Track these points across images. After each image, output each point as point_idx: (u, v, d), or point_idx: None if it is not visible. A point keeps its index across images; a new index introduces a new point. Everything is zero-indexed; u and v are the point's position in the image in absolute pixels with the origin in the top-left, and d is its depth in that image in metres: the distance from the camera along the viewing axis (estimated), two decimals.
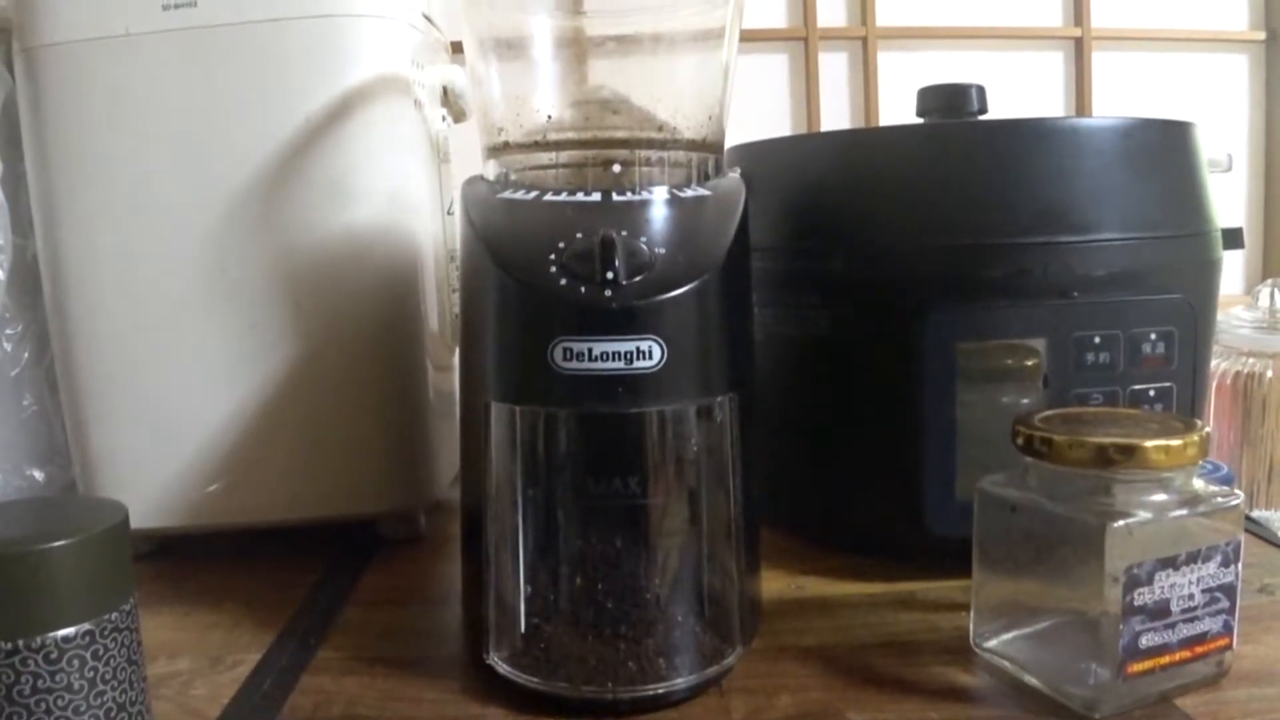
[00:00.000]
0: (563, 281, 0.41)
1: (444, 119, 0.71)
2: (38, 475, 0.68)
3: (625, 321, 0.41)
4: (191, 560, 0.63)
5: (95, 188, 0.59)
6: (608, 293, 0.41)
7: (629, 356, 0.41)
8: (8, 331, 0.66)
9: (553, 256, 0.42)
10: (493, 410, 0.44)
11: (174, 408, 0.60)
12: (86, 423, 0.61)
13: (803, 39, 1.20)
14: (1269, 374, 0.95)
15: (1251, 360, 0.96)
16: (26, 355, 0.67)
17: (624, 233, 0.42)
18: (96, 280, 0.60)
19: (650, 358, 0.41)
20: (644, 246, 0.42)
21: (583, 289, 0.41)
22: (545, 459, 0.45)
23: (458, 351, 0.50)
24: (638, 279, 0.41)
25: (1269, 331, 0.96)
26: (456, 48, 0.76)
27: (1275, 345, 0.95)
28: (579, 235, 0.42)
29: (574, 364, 0.41)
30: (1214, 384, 0.97)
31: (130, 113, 0.58)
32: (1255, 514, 0.93)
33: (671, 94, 0.49)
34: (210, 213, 0.58)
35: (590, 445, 0.44)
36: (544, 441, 0.44)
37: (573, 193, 0.44)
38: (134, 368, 0.60)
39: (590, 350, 0.41)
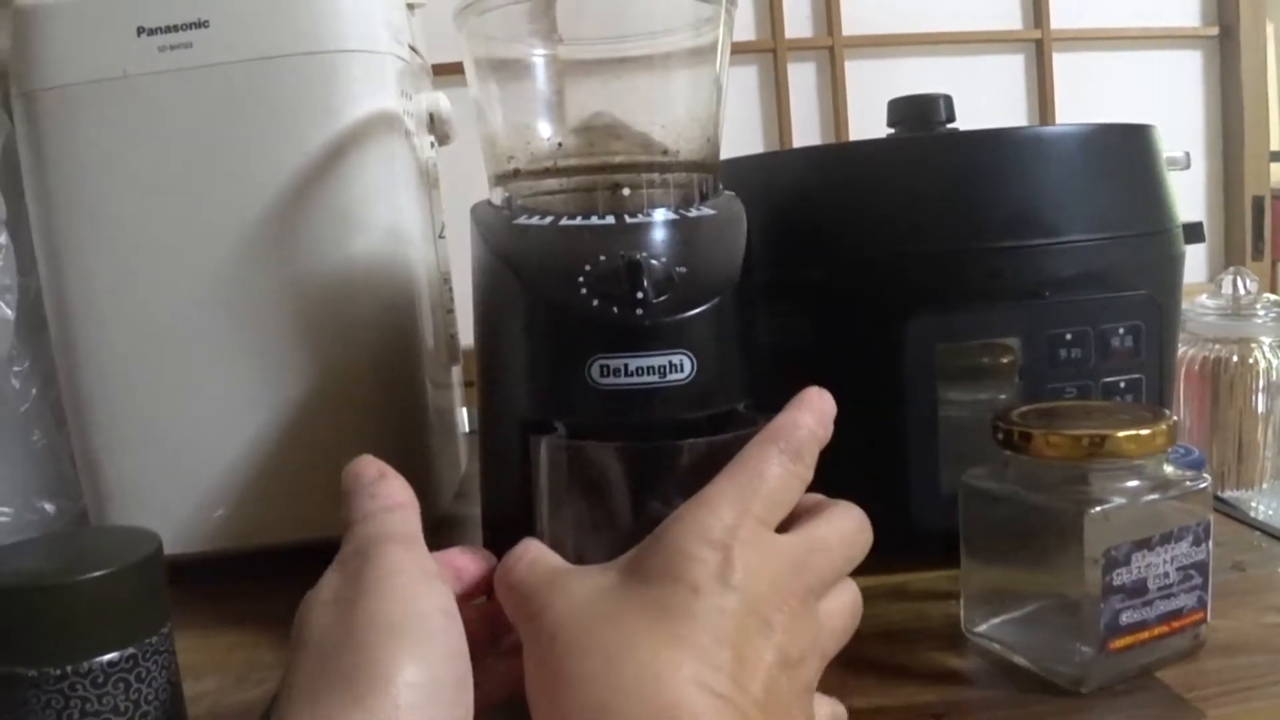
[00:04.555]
0: (594, 302, 0.44)
1: (431, 144, 0.73)
2: (48, 508, 0.69)
3: (657, 337, 0.44)
4: (203, 585, 0.64)
5: (96, 227, 0.60)
6: (639, 311, 0.44)
7: (662, 370, 0.44)
8: (15, 369, 0.67)
9: (580, 279, 0.44)
10: (527, 429, 0.45)
11: (182, 436, 0.61)
12: (96, 453, 0.62)
13: (771, 50, 1.23)
14: (1234, 359, 0.98)
15: (1217, 346, 0.99)
16: (34, 391, 0.68)
17: (643, 254, 0.44)
18: (100, 316, 0.61)
19: (682, 370, 0.44)
20: (664, 266, 0.45)
21: (614, 309, 0.44)
22: (580, 476, 0.45)
23: (477, 372, 0.51)
24: (664, 297, 0.44)
25: (1233, 318, 0.99)
26: (439, 71, 0.79)
27: (1239, 331, 0.98)
28: (602, 258, 0.44)
29: (611, 379, 0.44)
30: (1182, 370, 0.99)
31: (129, 153, 0.59)
32: (1226, 494, 0.96)
33: (670, 119, 0.51)
34: (210, 248, 0.60)
35: (626, 463, 0.44)
36: (580, 459, 0.45)
37: (585, 217, 0.47)
38: (141, 398, 0.61)
39: (626, 366, 0.43)
